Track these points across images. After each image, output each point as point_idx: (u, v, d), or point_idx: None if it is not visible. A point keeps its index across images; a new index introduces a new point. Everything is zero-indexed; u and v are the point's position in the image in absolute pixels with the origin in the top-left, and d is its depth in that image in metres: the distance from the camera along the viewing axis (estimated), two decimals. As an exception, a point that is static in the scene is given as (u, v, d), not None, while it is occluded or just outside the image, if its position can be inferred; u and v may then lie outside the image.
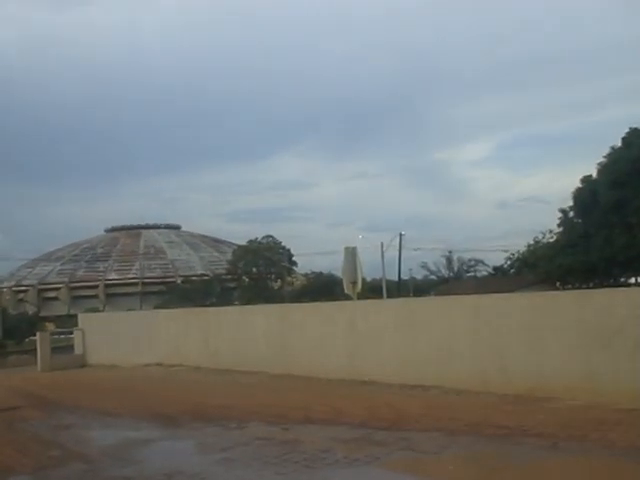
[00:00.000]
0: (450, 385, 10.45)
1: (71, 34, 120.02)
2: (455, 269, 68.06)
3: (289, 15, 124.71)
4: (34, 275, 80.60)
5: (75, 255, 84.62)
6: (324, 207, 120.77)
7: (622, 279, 39.71)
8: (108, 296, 74.90)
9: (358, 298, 16.31)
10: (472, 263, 67.05)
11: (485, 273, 65.55)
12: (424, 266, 67.66)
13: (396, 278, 56.49)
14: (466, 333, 10.76)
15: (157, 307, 49.50)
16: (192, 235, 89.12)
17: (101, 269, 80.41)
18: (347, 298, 16.93)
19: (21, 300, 74.77)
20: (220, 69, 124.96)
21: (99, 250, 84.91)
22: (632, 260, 34.11)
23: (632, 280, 40.56)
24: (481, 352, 10.44)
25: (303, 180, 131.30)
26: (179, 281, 72.99)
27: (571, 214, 39.35)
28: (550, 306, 10.11)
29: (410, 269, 68.26)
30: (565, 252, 37.61)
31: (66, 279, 78.92)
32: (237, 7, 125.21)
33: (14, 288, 77.23)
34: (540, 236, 46.69)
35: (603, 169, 36.24)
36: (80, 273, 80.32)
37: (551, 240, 43.39)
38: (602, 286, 32.89)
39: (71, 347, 20.60)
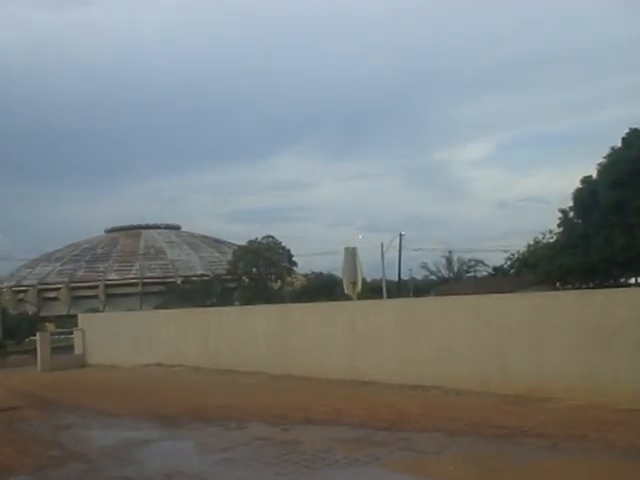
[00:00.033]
0: (450, 385, 10.45)
1: (71, 34, 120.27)
2: (455, 269, 68.10)
3: (289, 15, 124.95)
4: (34, 275, 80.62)
5: (75, 255, 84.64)
6: (324, 207, 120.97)
7: (622, 279, 39.70)
8: (108, 296, 74.89)
9: (358, 298, 16.30)
10: (472, 263, 67.14)
11: (485, 273, 65.55)
12: (424, 266, 67.79)
13: (396, 278, 56.53)
14: (466, 333, 10.76)
15: (157, 307, 49.50)
16: (192, 235, 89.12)
17: (101, 269, 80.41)
18: (347, 298, 16.93)
19: (21, 300, 74.80)
20: (220, 69, 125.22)
21: (99, 250, 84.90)
22: (632, 260, 34.10)
23: (632, 280, 40.54)
24: (481, 352, 10.44)
25: (303, 180, 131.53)
26: (179, 281, 72.97)
27: (571, 214, 39.34)
28: (550, 306, 10.11)
29: (410, 269, 68.40)
30: (565, 252, 37.61)
31: (66, 279, 78.92)
32: (237, 7, 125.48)
33: (14, 288, 77.24)
34: (540, 236, 46.73)
35: (603, 169, 36.24)
36: (80, 273, 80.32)
37: (551, 240, 43.39)
38: (602, 286, 32.86)
39: (71, 347, 20.62)
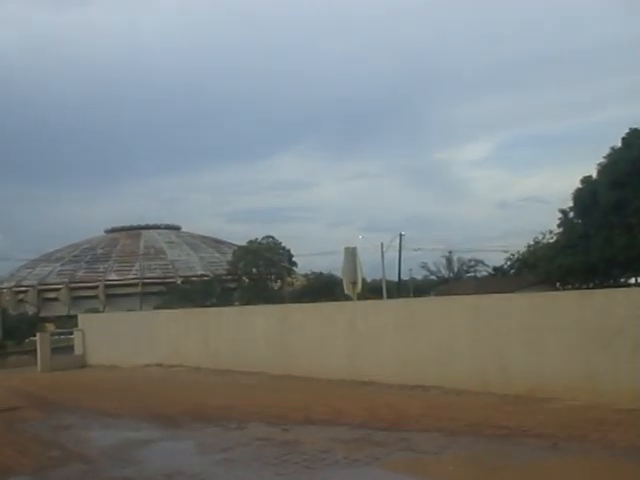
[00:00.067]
0: (450, 385, 10.45)
1: (71, 34, 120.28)
2: (455, 269, 68.08)
3: (289, 15, 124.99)
4: (34, 276, 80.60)
5: (75, 256, 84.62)
6: (324, 207, 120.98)
7: (622, 279, 39.67)
8: (108, 297, 74.88)
9: (358, 298, 16.31)
10: (472, 263, 67.12)
11: (485, 273, 65.51)
12: (424, 266, 67.77)
13: (396, 278, 56.55)
14: (466, 333, 10.77)
15: (157, 308, 49.47)
16: (192, 235, 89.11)
17: (101, 270, 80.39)
18: (347, 298, 16.93)
19: (21, 301, 74.78)
20: (220, 69, 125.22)
21: (99, 251, 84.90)
22: (632, 260, 34.08)
23: (632, 280, 40.52)
24: (481, 352, 10.44)
25: (303, 180, 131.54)
26: (179, 282, 72.95)
27: (571, 214, 39.33)
28: (550, 306, 10.11)
29: (410, 269, 68.40)
30: (565, 253, 37.59)
31: (66, 280, 78.91)
32: (237, 7, 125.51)
33: (14, 288, 77.25)
34: (540, 236, 46.69)
35: (603, 169, 36.23)
36: (80, 274, 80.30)
37: (551, 240, 43.37)
38: (602, 286, 32.85)
39: (71, 348, 20.60)
